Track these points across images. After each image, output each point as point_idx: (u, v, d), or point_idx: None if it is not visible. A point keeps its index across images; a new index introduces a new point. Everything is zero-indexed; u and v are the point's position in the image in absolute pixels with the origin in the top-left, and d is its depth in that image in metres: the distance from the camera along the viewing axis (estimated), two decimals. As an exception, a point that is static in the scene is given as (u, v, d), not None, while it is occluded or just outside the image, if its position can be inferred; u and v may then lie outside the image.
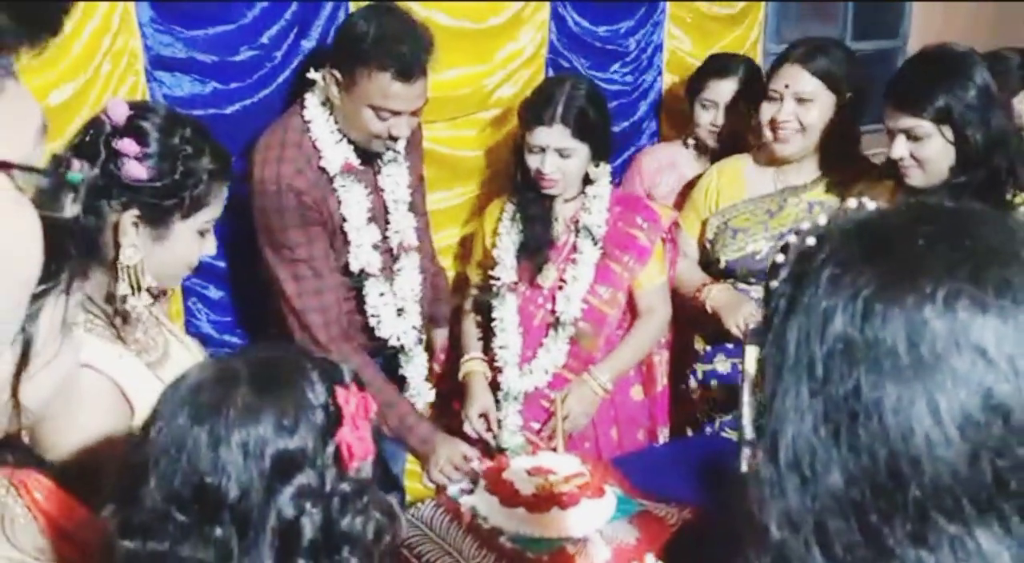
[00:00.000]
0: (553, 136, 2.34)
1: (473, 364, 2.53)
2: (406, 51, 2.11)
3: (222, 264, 2.47)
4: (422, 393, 2.49)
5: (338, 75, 2.15)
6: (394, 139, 2.21)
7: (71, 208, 1.48)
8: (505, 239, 2.49)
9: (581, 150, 2.38)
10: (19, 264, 0.77)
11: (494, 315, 2.49)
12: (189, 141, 1.50)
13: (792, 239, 0.80)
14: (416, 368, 2.47)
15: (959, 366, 0.64)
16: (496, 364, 2.49)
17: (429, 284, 2.52)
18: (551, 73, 2.84)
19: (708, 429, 2.64)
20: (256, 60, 2.38)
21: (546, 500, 1.93)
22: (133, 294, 1.50)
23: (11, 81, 0.52)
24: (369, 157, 2.30)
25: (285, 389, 1.00)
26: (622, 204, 2.52)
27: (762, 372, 0.73)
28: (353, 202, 2.26)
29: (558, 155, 2.36)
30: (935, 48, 2.18)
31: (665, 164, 2.93)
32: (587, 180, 2.46)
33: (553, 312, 2.47)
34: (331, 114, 2.22)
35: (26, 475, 1.15)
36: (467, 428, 2.47)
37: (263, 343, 1.16)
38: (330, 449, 1.00)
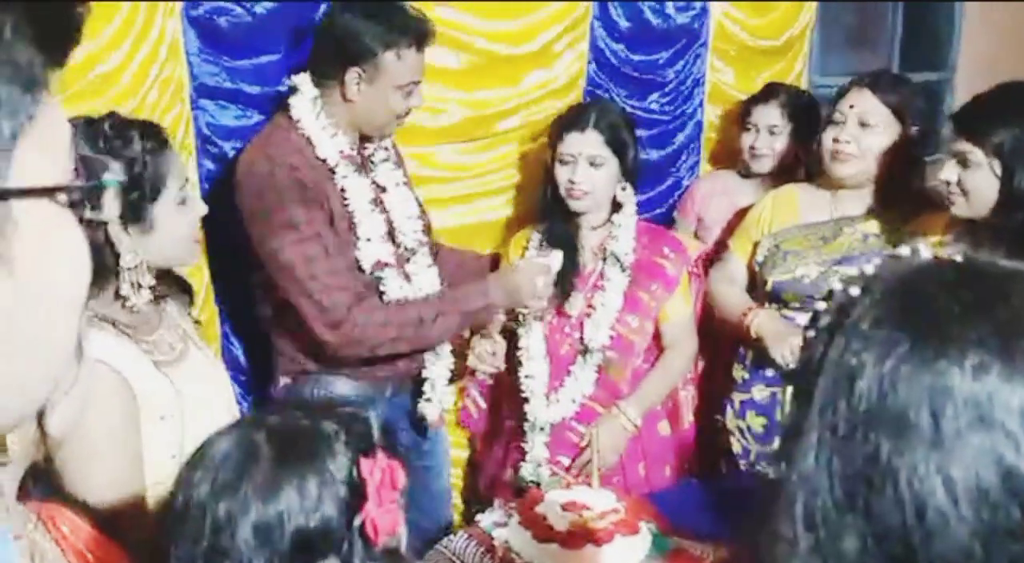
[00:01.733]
0: (586, 143, 2.37)
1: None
2: (415, 21, 2.14)
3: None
4: (443, 398, 2.40)
5: (361, 72, 2.13)
6: (407, 114, 2.23)
7: (112, 208, 1.53)
8: None
9: (611, 163, 2.39)
10: (68, 288, 0.77)
11: (520, 344, 2.49)
12: (114, 135, 1.54)
13: (837, 285, 0.78)
14: (440, 369, 2.37)
15: (980, 441, 0.61)
16: (522, 394, 2.48)
17: (446, 272, 2.44)
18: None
19: (743, 461, 2.60)
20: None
21: (580, 536, 1.91)
22: (137, 292, 1.56)
23: (44, 96, 0.52)
24: (363, 162, 2.28)
25: (307, 464, 0.97)
26: (648, 234, 2.53)
27: (790, 420, 0.72)
28: (357, 190, 2.18)
29: (589, 165, 2.37)
30: (1018, 83, 2.15)
31: (718, 190, 2.96)
32: (614, 208, 2.47)
33: (581, 340, 2.47)
34: (320, 112, 2.17)
35: (54, 509, 1.16)
36: (471, 360, 2.43)
37: (290, 401, 1.11)
38: (356, 524, 0.97)
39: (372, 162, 2.31)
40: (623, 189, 2.45)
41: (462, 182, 2.77)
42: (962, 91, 4.04)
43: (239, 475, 0.95)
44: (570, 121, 2.43)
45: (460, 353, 2.43)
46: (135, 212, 1.54)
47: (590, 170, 2.38)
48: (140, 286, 1.55)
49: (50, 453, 1.36)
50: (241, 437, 0.99)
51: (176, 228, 1.61)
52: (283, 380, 2.31)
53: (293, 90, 2.19)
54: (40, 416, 0.99)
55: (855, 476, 0.64)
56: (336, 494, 0.97)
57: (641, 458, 2.53)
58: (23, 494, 1.10)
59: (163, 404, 1.55)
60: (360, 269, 2.18)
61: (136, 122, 1.61)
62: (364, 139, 2.29)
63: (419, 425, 2.42)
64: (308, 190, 2.10)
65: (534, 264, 2.29)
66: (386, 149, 2.34)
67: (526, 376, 2.47)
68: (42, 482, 1.17)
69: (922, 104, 2.43)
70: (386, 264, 2.20)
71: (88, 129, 1.53)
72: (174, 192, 1.59)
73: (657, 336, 2.54)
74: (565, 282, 2.45)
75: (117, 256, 1.53)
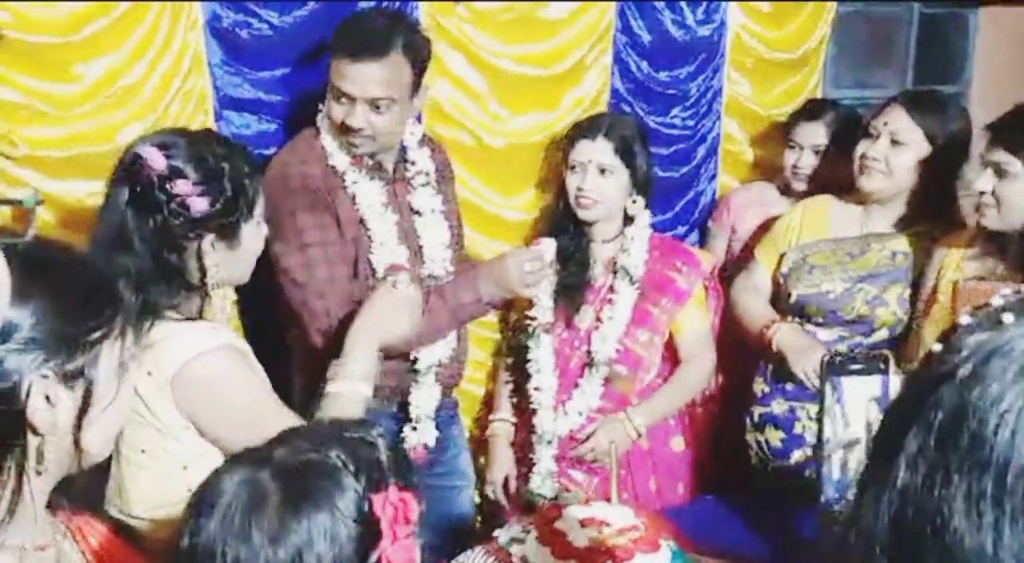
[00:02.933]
0: (596, 150, 2.39)
1: (499, 427, 2.56)
2: (356, 33, 2.12)
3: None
4: (427, 430, 2.34)
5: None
6: (353, 131, 2.13)
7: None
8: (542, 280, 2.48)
9: (621, 173, 2.41)
10: None
11: (529, 356, 2.49)
12: (218, 155, 1.63)
13: (997, 300, 0.71)
14: (422, 397, 2.32)
15: None
16: (531, 406, 2.49)
17: None
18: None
19: (761, 475, 2.60)
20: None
21: (599, 553, 1.90)
22: (221, 309, 1.67)
23: None
24: (394, 174, 2.28)
25: (316, 504, 0.94)
26: (660, 248, 2.53)
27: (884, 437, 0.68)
28: (367, 194, 2.18)
29: (599, 173, 2.38)
30: None
31: (754, 201, 2.96)
32: (626, 221, 2.47)
33: (589, 353, 2.47)
34: None
35: (83, 521, 1.17)
36: (488, 491, 2.50)
37: (295, 430, 1.08)
38: (371, 561, 0.95)
39: (412, 185, 2.30)
40: (634, 202, 2.45)
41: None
42: (977, 105, 4.03)
43: (247, 520, 0.93)
44: (583, 129, 2.46)
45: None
46: (231, 230, 1.64)
47: (599, 178, 2.40)
48: (222, 300, 1.66)
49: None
50: (247, 477, 0.96)
51: (255, 246, 1.73)
52: (297, 381, 2.33)
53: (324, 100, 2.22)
54: (76, 429, 1.02)
55: (918, 517, 0.61)
56: (348, 534, 0.95)
57: (652, 474, 2.54)
58: (53, 505, 1.11)
59: None
60: (373, 273, 2.18)
61: (234, 144, 1.73)
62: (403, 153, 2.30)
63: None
64: (317, 197, 2.12)
65: (522, 251, 2.26)
66: (427, 175, 2.32)
67: (535, 388, 2.48)
68: (72, 494, 1.16)
69: (962, 128, 2.40)
70: (402, 267, 2.17)
71: (194, 143, 1.63)
72: (260, 212, 1.71)
73: (673, 350, 2.53)
74: (575, 295, 2.47)
75: (203, 272, 1.62)
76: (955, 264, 2.23)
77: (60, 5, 2.07)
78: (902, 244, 2.42)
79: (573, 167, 2.42)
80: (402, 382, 2.30)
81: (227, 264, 1.66)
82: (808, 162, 2.80)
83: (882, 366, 1.03)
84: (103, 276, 1.11)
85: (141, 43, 2.19)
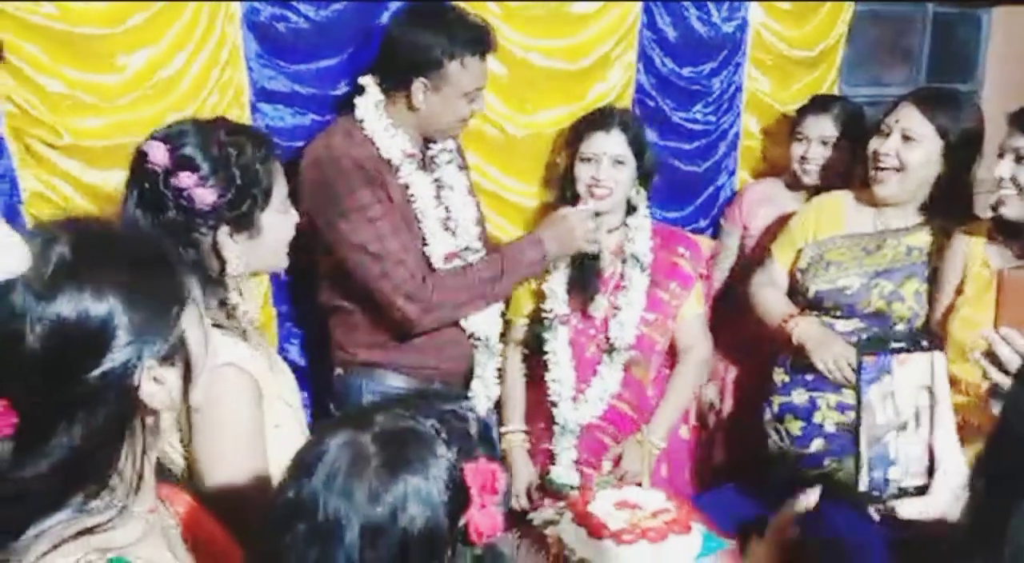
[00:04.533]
0: (611, 142, 2.44)
1: (513, 438, 2.60)
2: (478, 31, 2.24)
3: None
4: (490, 388, 2.48)
5: (426, 82, 2.22)
6: (471, 117, 2.34)
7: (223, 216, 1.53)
8: (554, 273, 2.53)
9: (631, 164, 2.46)
10: None
11: (546, 348, 2.53)
12: (229, 143, 1.55)
13: None
14: (489, 365, 2.46)
15: None
16: (550, 398, 2.52)
17: None
18: (637, 112, 2.89)
19: (779, 463, 2.62)
20: (353, 95, 2.45)
21: (634, 534, 1.94)
22: (243, 301, 1.59)
23: None
24: (425, 161, 2.36)
25: (413, 468, 0.99)
26: (661, 235, 2.58)
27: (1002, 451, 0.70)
28: (421, 186, 2.28)
29: (613, 164, 2.43)
30: None
31: (765, 199, 2.99)
32: (628, 211, 2.52)
33: (607, 340, 2.51)
34: (382, 114, 2.27)
35: (169, 489, 1.23)
36: (513, 502, 2.54)
37: (392, 398, 1.12)
38: (459, 527, 0.99)
39: (436, 163, 2.39)
40: (637, 192, 2.51)
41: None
42: (989, 102, 4.07)
43: (349, 479, 0.97)
44: (594, 122, 2.50)
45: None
46: (247, 219, 1.57)
47: (612, 170, 2.44)
48: (244, 292, 1.59)
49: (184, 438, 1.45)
50: (350, 439, 1.01)
51: (280, 234, 1.65)
52: (337, 371, 2.40)
53: (360, 90, 2.28)
54: (185, 395, 1.08)
55: None
56: (441, 499, 0.98)
57: (664, 460, 2.58)
58: None
59: (276, 412, 1.58)
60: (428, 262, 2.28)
61: (245, 129, 1.65)
62: (428, 140, 2.37)
63: None
64: (370, 175, 2.20)
65: (578, 210, 2.40)
66: (450, 152, 2.42)
67: (553, 380, 2.52)
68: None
69: (977, 125, 2.42)
70: (455, 255, 2.31)
71: (200, 132, 1.55)
72: (279, 200, 1.62)
73: (671, 339, 2.59)
74: (588, 285, 2.51)
75: (223, 264, 1.56)
76: (980, 257, 2.25)
77: (104, -3, 2.11)
78: (917, 239, 2.45)
79: (587, 159, 2.46)
80: (468, 362, 2.44)
81: (252, 254, 1.60)
82: (817, 153, 2.84)
83: (925, 343, 1.04)
84: (156, 247, 1.14)
85: (181, 35, 2.23)
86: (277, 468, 1.51)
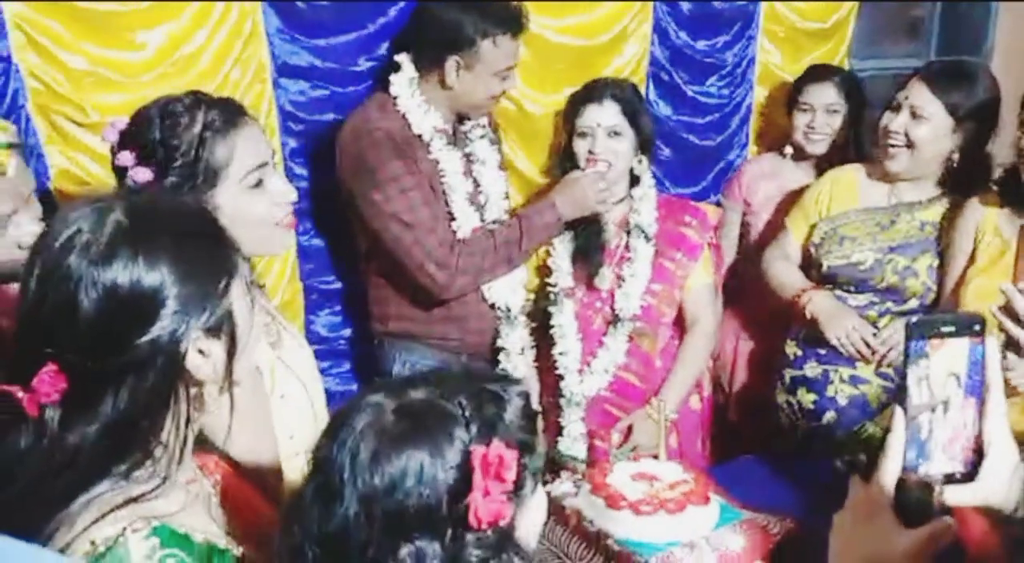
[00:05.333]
0: (604, 114, 2.43)
1: None
2: (511, 10, 2.28)
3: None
4: (517, 366, 2.53)
5: (459, 59, 2.25)
6: (503, 94, 2.38)
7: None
8: (559, 246, 2.54)
9: (629, 134, 2.45)
10: None
11: (552, 322, 2.55)
12: (179, 116, 1.45)
13: None
14: (514, 339, 2.51)
15: None
16: (557, 371, 2.55)
17: None
18: (652, 86, 2.91)
19: (790, 436, 2.66)
20: (374, 70, 2.47)
21: (652, 505, 1.98)
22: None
23: None
24: (456, 137, 2.41)
25: (418, 447, 0.98)
26: (667, 206, 2.58)
27: None
28: (450, 162, 2.33)
29: (608, 136, 2.43)
30: None
31: (766, 172, 2.99)
32: (632, 183, 2.53)
33: (612, 311, 2.52)
34: (415, 90, 2.31)
35: (208, 458, 1.26)
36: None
37: (435, 372, 1.11)
38: (460, 509, 0.98)
39: (469, 138, 2.43)
40: (639, 162, 2.50)
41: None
42: (999, 75, 4.05)
43: (359, 441, 0.99)
44: (587, 94, 2.48)
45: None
46: (198, 198, 1.43)
47: (609, 141, 2.44)
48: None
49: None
50: (377, 403, 1.02)
51: (248, 214, 1.49)
52: (375, 341, 2.50)
53: (396, 67, 2.32)
54: (230, 369, 1.10)
55: None
56: (445, 479, 0.97)
57: (674, 430, 2.60)
58: None
59: (283, 383, 1.59)
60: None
61: (208, 101, 1.51)
62: (461, 116, 2.41)
63: None
64: (401, 147, 2.25)
65: (590, 173, 2.42)
66: (483, 127, 2.46)
67: (560, 353, 2.54)
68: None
69: (990, 100, 2.38)
70: (482, 230, 2.37)
71: (156, 107, 1.49)
72: (238, 177, 1.48)
73: (680, 307, 2.59)
74: (593, 257, 2.52)
75: None
76: (991, 226, 2.25)
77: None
78: (931, 214, 2.45)
79: (583, 133, 2.46)
80: (491, 335, 2.50)
81: None
82: (822, 122, 2.84)
83: (976, 328, 1.05)
84: (209, 220, 1.14)
85: (201, 12, 2.24)
86: (280, 437, 1.56)
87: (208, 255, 1.08)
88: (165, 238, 1.04)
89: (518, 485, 1.02)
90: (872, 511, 0.97)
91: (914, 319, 1.03)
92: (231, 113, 1.51)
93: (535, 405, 2.56)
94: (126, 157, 1.45)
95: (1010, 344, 1.56)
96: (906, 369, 1.02)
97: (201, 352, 1.06)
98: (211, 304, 1.06)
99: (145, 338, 1.01)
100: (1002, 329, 1.56)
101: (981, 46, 4.21)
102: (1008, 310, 1.52)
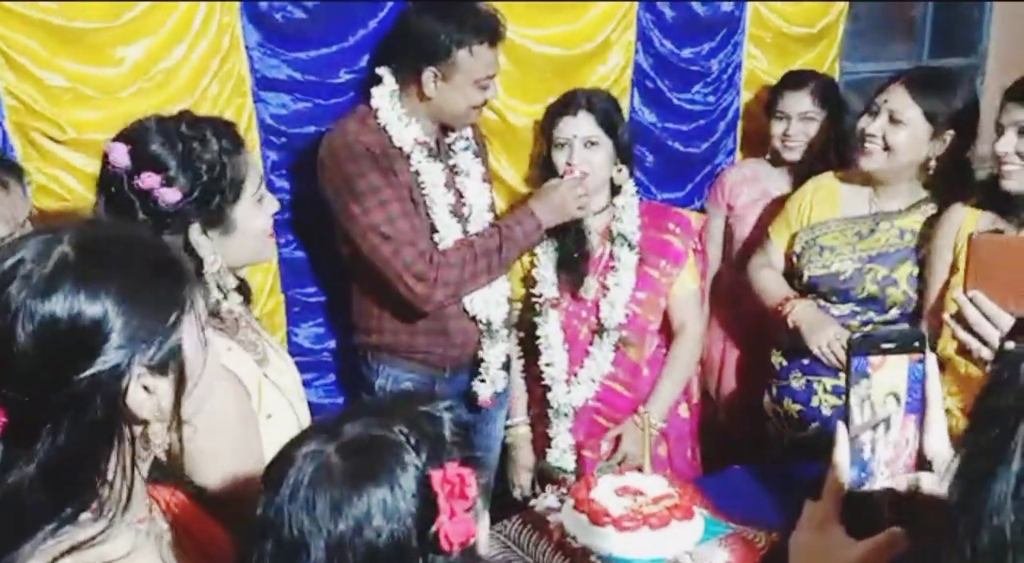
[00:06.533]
0: (580, 125, 2.43)
1: (517, 431, 2.64)
2: (487, 19, 2.27)
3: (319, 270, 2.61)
4: (496, 381, 2.52)
5: (436, 70, 2.25)
6: (484, 104, 2.37)
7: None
8: (542, 257, 2.54)
9: (606, 144, 2.45)
10: None
11: (538, 333, 2.55)
12: (192, 137, 1.50)
13: None
14: (496, 353, 2.49)
15: None
16: (544, 382, 2.54)
17: None
18: (636, 94, 2.89)
19: (778, 445, 2.66)
20: (355, 82, 2.46)
21: (636, 520, 1.97)
22: (225, 298, 1.56)
23: None
24: (440, 148, 2.40)
25: (377, 480, 0.96)
26: (650, 213, 2.58)
27: (980, 423, 0.72)
28: (430, 174, 2.32)
29: (584, 146, 2.43)
30: None
31: (748, 177, 2.97)
32: (614, 192, 2.52)
33: (598, 321, 2.52)
34: (396, 103, 2.31)
35: (165, 491, 1.23)
36: (516, 493, 2.59)
37: (364, 403, 1.10)
38: (430, 535, 0.96)
39: (452, 150, 2.43)
40: (619, 171, 2.50)
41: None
42: (994, 76, 4.05)
43: (311, 492, 0.96)
44: (562, 106, 2.48)
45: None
46: (218, 215, 1.53)
47: (586, 152, 2.44)
48: (224, 289, 1.56)
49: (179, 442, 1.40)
50: (315, 450, 0.99)
51: (255, 226, 1.60)
52: (359, 353, 2.50)
53: (377, 80, 2.32)
54: (177, 407, 1.06)
55: None
56: (407, 508, 0.96)
57: (662, 440, 2.60)
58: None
59: (269, 402, 1.58)
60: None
61: (209, 121, 1.57)
62: (445, 128, 2.41)
63: (475, 405, 2.52)
64: (381, 161, 2.24)
65: (567, 180, 2.42)
66: (467, 139, 2.45)
67: (546, 364, 2.54)
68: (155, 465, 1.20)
69: (970, 107, 2.39)
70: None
71: (161, 128, 1.51)
72: (251, 192, 1.58)
73: (666, 316, 2.59)
74: (577, 267, 2.52)
75: (199, 261, 1.51)
76: (973, 231, 2.24)
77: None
78: (910, 222, 2.44)
79: (560, 144, 2.46)
80: (474, 348, 2.49)
81: (228, 249, 1.56)
82: (798, 130, 2.83)
83: (917, 344, 1.06)
84: (163, 252, 1.11)
85: (178, 27, 2.23)
86: (268, 457, 1.54)
87: (158, 288, 1.04)
88: (112, 270, 1.01)
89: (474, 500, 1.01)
90: (823, 526, 1.00)
91: (855, 335, 1.03)
92: (234, 132, 1.58)
93: (526, 420, 2.57)
94: (152, 180, 1.46)
95: (962, 352, 1.59)
96: (848, 388, 1.02)
97: (146, 389, 1.03)
98: (158, 339, 1.02)
99: (85, 373, 0.97)
100: (954, 337, 1.58)
101: (975, 47, 4.19)
102: (960, 318, 1.54)
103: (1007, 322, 1.48)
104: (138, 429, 1.05)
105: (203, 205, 1.51)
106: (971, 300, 1.53)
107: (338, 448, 0.99)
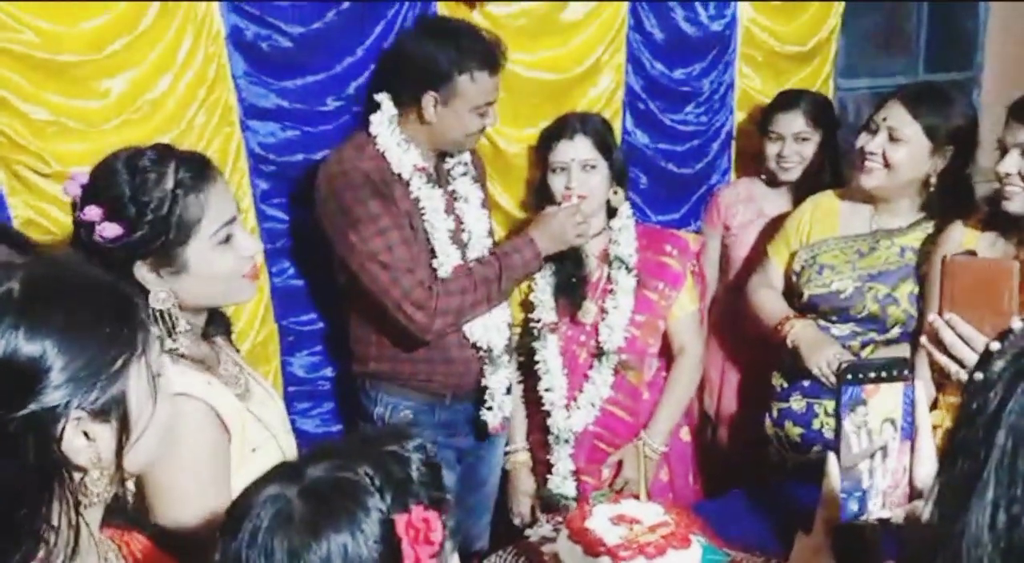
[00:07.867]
0: (577, 148, 2.43)
1: (516, 458, 2.61)
2: (489, 46, 2.26)
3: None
4: (501, 406, 2.48)
5: (436, 95, 2.24)
6: (483, 131, 2.38)
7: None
8: (540, 281, 2.52)
9: (602, 167, 2.45)
10: None
11: (537, 357, 2.53)
12: (148, 171, 1.43)
13: (1017, 325, 0.76)
14: (499, 379, 2.46)
15: None
16: (543, 408, 2.52)
17: None
18: (628, 115, 2.88)
19: (780, 469, 2.62)
20: (343, 109, 2.46)
21: (631, 550, 1.93)
22: (170, 337, 1.46)
23: None
24: (439, 175, 2.38)
25: (338, 526, 0.93)
26: (647, 235, 2.57)
27: (953, 455, 0.71)
28: (430, 200, 2.31)
29: (582, 170, 2.42)
30: None
31: (743, 197, 2.97)
32: (610, 214, 2.51)
33: (597, 345, 2.50)
34: (395, 129, 2.30)
35: (127, 535, 1.20)
36: (516, 521, 2.56)
37: (327, 445, 1.05)
38: None
39: (451, 176, 2.41)
40: (615, 193, 2.49)
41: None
42: (988, 91, 4.04)
43: (270, 538, 0.93)
44: (558, 130, 2.48)
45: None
46: (165, 253, 1.45)
47: (583, 175, 2.43)
48: (174, 329, 1.47)
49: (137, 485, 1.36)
50: (276, 494, 0.96)
51: (216, 269, 1.50)
52: (357, 382, 2.48)
53: (374, 107, 2.31)
54: (119, 456, 1.02)
55: (1013, 531, 0.65)
56: (370, 555, 0.93)
57: (664, 464, 2.57)
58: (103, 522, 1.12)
59: (253, 436, 1.54)
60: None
61: (178, 155, 1.49)
62: (443, 154, 2.39)
63: (477, 429, 2.51)
64: (379, 188, 2.23)
65: (564, 207, 2.41)
66: (465, 164, 2.44)
67: (545, 389, 2.52)
68: (116, 508, 1.16)
69: (969, 124, 2.36)
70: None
71: (125, 162, 1.45)
72: (209, 233, 1.47)
73: (665, 339, 2.57)
74: (575, 291, 2.50)
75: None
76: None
77: (84, 23, 2.10)
78: (911, 240, 2.41)
79: (555, 169, 2.45)
80: (476, 376, 2.46)
81: (184, 289, 1.48)
82: (792, 150, 2.82)
83: (905, 372, 1.04)
84: (116, 294, 1.07)
85: (164, 57, 2.22)
86: None
87: (105, 330, 1.00)
88: (57, 309, 0.98)
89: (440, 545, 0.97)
90: (814, 558, 1.00)
91: (844, 364, 1.01)
92: (201, 168, 1.49)
93: (525, 447, 2.54)
94: (93, 212, 1.41)
95: (942, 375, 1.59)
96: (841, 416, 1.00)
97: (86, 435, 0.99)
98: (100, 383, 0.98)
99: (20, 413, 0.94)
100: (932, 361, 1.57)
101: (971, 61, 4.18)
102: (936, 340, 1.53)
103: (983, 344, 1.47)
104: (77, 475, 1.01)
105: (145, 243, 1.43)
106: (947, 323, 1.52)
107: (300, 492, 0.95)
